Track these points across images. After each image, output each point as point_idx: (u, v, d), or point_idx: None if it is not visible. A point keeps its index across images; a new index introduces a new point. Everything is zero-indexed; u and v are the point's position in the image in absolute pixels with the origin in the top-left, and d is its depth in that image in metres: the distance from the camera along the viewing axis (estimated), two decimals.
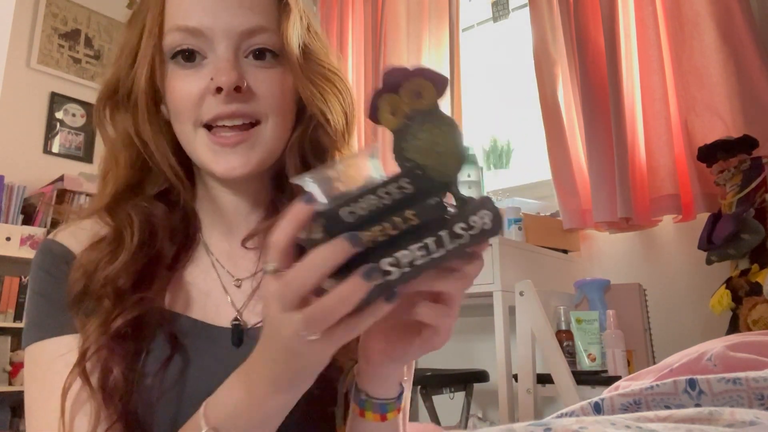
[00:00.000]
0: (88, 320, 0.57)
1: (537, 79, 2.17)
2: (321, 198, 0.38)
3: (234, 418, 0.46)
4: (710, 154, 1.61)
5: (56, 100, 3.13)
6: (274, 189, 0.69)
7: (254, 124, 0.61)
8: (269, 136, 0.62)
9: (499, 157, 2.48)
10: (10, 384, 2.57)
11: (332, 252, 0.36)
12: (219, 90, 0.58)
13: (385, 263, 0.37)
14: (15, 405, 2.68)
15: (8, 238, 2.59)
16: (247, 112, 0.60)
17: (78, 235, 0.64)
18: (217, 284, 0.65)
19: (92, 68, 3.31)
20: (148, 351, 0.58)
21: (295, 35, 0.63)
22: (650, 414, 0.28)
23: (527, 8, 2.26)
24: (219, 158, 0.60)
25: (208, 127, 0.60)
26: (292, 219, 0.38)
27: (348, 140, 0.67)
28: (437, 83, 0.40)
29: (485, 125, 2.59)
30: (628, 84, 1.94)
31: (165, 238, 0.63)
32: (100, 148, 3.24)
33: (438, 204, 0.39)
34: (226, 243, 0.68)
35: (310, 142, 0.66)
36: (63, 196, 2.83)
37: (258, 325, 0.62)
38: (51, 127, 3.11)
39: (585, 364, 1.56)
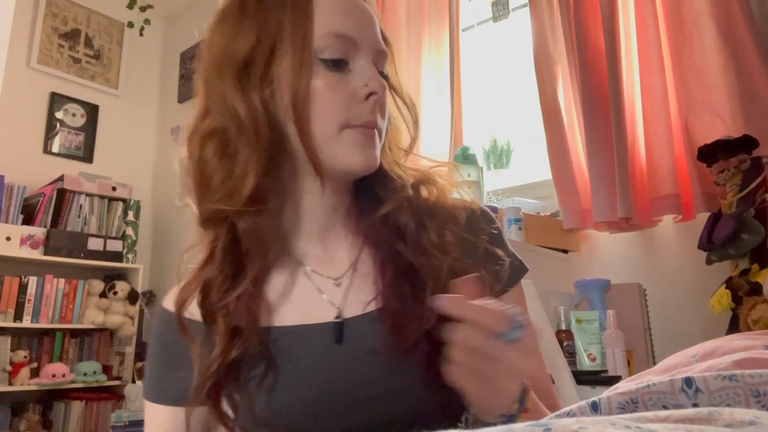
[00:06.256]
0: (202, 347, 0.62)
1: (537, 79, 2.17)
2: None
3: None
4: (710, 154, 1.60)
5: (56, 100, 3.14)
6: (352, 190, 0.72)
7: None
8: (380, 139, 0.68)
9: (499, 157, 2.48)
10: (10, 384, 2.58)
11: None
12: (369, 96, 0.63)
13: None
14: (15, 405, 2.68)
15: (8, 238, 2.59)
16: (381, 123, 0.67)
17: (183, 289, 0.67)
18: (310, 288, 0.67)
19: (92, 68, 3.32)
20: (249, 374, 0.61)
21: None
22: (650, 414, 0.28)
23: (527, 8, 2.26)
24: (366, 152, 0.63)
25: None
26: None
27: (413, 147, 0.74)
28: None
29: (485, 125, 2.59)
30: (628, 84, 1.93)
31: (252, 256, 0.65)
32: (100, 147, 3.25)
33: None
34: (317, 247, 0.69)
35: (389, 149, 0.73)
36: (63, 196, 2.84)
37: (356, 315, 0.64)
38: (51, 127, 3.11)
39: (585, 364, 1.56)
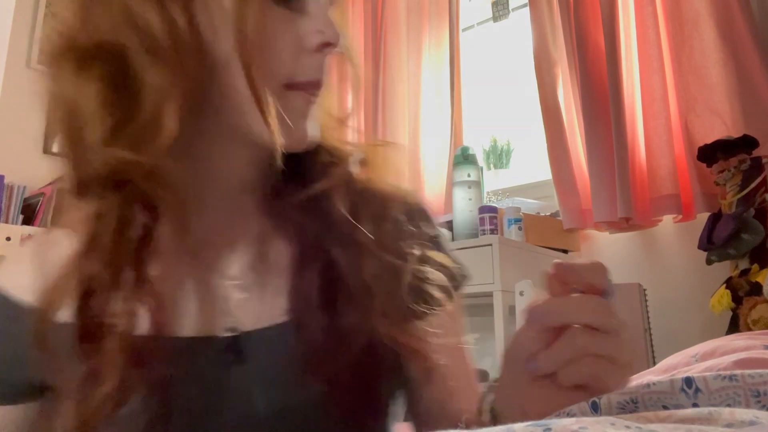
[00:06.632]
0: (75, 373, 0.43)
1: (537, 79, 2.17)
2: None
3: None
4: (710, 154, 1.60)
5: None
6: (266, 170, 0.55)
7: None
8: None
9: (499, 157, 2.48)
10: None
11: None
12: (323, 47, 0.48)
13: None
14: None
15: (8, 238, 2.59)
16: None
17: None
18: (203, 287, 0.51)
19: None
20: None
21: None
22: (650, 414, 0.28)
23: (527, 8, 2.26)
24: (297, 125, 0.48)
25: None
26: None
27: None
28: None
29: (485, 125, 2.59)
30: (628, 84, 1.93)
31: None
32: None
33: None
34: (220, 231, 0.53)
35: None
36: (63, 196, 2.84)
37: (259, 329, 0.50)
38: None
39: None
